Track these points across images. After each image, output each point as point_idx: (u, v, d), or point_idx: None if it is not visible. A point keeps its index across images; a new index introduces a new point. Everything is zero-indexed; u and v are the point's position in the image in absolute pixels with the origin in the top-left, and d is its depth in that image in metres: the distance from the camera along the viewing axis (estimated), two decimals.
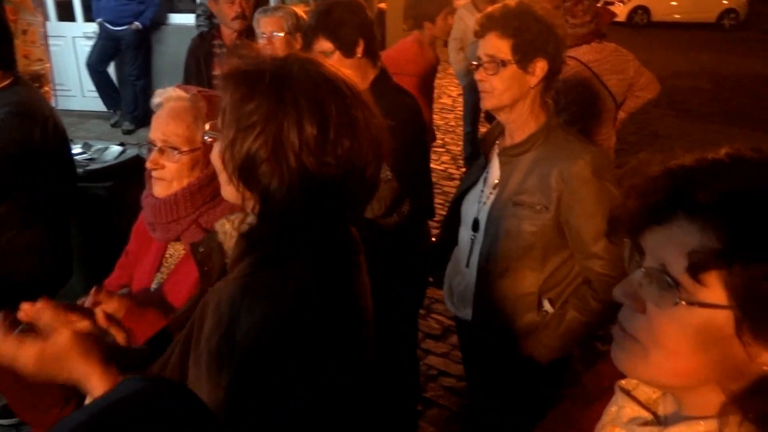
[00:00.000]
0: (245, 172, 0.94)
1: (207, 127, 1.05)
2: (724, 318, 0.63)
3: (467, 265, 1.90)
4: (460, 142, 6.26)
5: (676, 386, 0.71)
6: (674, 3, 18.95)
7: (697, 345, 0.65)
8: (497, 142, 1.90)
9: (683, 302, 0.64)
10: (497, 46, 1.71)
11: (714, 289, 0.63)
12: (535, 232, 1.73)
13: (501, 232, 1.77)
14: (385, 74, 2.29)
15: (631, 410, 0.76)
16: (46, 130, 2.20)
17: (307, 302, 0.93)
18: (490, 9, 1.78)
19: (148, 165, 1.48)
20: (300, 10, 3.04)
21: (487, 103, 1.78)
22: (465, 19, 4.90)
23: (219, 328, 0.94)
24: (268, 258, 0.96)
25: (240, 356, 0.91)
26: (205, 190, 1.46)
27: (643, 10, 18.99)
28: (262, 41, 2.90)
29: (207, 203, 1.47)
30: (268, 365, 0.92)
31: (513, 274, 1.78)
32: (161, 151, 1.46)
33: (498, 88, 1.73)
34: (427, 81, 3.45)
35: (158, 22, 6.91)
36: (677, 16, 18.80)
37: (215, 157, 1.00)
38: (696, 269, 0.63)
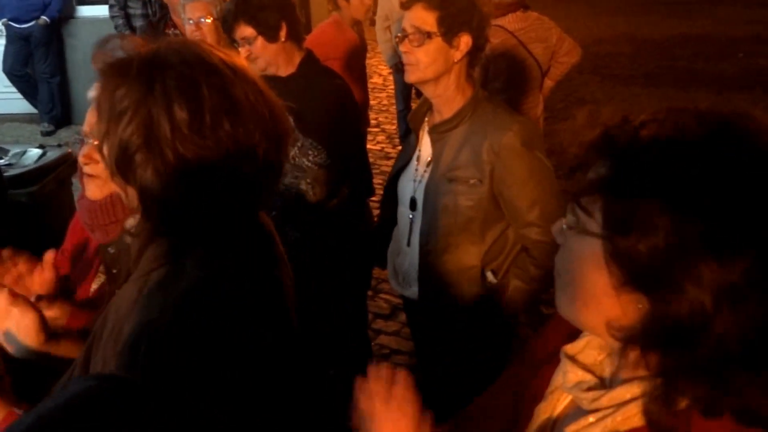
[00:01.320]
0: (122, 164, 0.89)
1: (85, 128, 1.00)
2: (600, 246, 0.68)
3: (408, 244, 1.91)
4: (395, 121, 6.26)
5: (591, 326, 0.75)
6: None
7: (585, 276, 0.71)
8: (426, 118, 1.90)
9: (574, 231, 0.73)
10: (423, 17, 1.70)
11: (595, 219, 0.69)
12: (472, 206, 1.75)
13: (439, 209, 1.78)
14: (312, 57, 2.25)
15: (575, 375, 0.78)
16: None
17: (203, 299, 0.87)
18: None
19: (80, 159, 1.37)
20: None
21: (411, 77, 1.77)
22: None
23: (113, 333, 0.91)
24: (161, 255, 0.91)
25: (128, 359, 0.86)
26: None
27: None
28: (189, 27, 2.80)
29: None
30: (162, 371, 0.84)
31: (454, 250, 1.80)
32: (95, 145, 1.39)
33: (423, 61, 1.72)
34: (353, 63, 3.40)
35: (67, 16, 6.57)
36: None
37: (96, 154, 0.99)
38: (579, 195, 0.71)
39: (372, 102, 7.58)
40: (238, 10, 2.12)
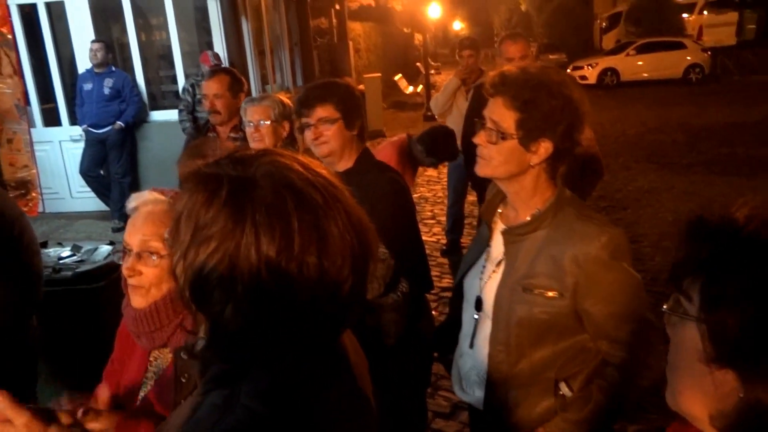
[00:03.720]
0: (197, 291, 0.83)
1: (166, 233, 0.97)
2: (696, 328, 0.74)
3: (471, 346, 1.78)
4: None
5: (696, 416, 0.78)
6: (641, 63, 19.72)
7: (685, 360, 0.77)
8: (500, 210, 1.78)
9: (676, 317, 0.79)
10: (502, 114, 1.57)
11: (694, 302, 0.76)
12: (549, 319, 1.60)
13: (512, 318, 1.64)
14: (368, 152, 2.31)
15: None
16: (9, 235, 2.18)
17: (253, 426, 0.81)
18: (507, 67, 1.63)
19: (124, 272, 1.41)
20: (284, 97, 3.11)
21: (481, 170, 1.65)
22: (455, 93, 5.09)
23: None
24: (217, 378, 0.86)
25: None
26: None
27: (612, 71, 19.74)
28: (249, 129, 2.95)
29: None
30: None
31: (527, 360, 1.65)
32: (138, 256, 1.41)
33: (495, 158, 1.60)
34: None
35: (141, 120, 7.05)
36: (645, 74, 19.54)
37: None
38: (679, 278, 0.77)
39: (427, 194, 7.69)
40: (326, 93, 2.16)
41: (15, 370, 2.28)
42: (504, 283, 1.66)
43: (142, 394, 1.47)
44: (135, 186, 6.97)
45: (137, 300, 1.41)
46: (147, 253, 1.40)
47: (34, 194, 3.32)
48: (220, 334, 0.85)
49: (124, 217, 6.78)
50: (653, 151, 9.30)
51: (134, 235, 1.42)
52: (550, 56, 23.52)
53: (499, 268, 1.70)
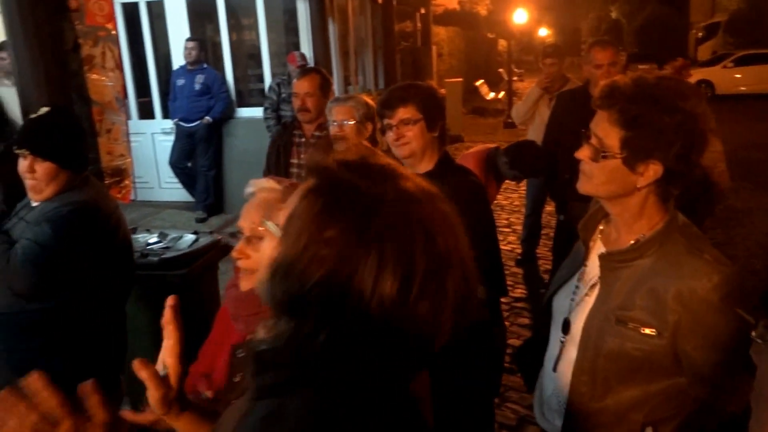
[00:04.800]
0: (294, 301, 0.77)
1: (241, 223, 0.92)
2: None
3: (554, 369, 1.66)
4: None
5: None
6: (738, 76, 18.71)
7: None
8: (601, 227, 1.62)
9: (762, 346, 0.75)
10: (607, 131, 1.42)
11: None
12: (642, 357, 1.45)
13: (601, 349, 1.51)
14: (448, 156, 2.30)
15: None
16: (106, 229, 2.31)
17: None
18: (618, 78, 1.46)
19: (233, 254, 1.46)
20: (368, 99, 3.15)
21: (582, 187, 1.50)
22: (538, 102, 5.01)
23: None
24: (269, 387, 0.80)
25: None
26: None
27: (707, 84, 18.82)
28: (333, 128, 3.00)
29: None
30: None
31: (613, 397, 1.51)
32: (248, 240, 1.46)
33: (597, 176, 1.45)
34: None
35: (228, 116, 7.31)
36: (743, 88, 18.53)
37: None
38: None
39: (504, 202, 7.58)
40: (408, 94, 2.18)
41: (110, 353, 2.41)
42: (596, 311, 1.53)
43: (237, 378, 1.49)
44: (219, 179, 7.25)
45: (245, 283, 1.46)
46: (256, 238, 1.44)
47: (127, 182, 3.50)
48: (297, 346, 0.78)
49: (207, 209, 7.12)
50: (748, 170, 8.77)
51: (246, 220, 1.47)
52: (640, 66, 22.66)
53: (592, 292, 1.56)
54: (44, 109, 2.27)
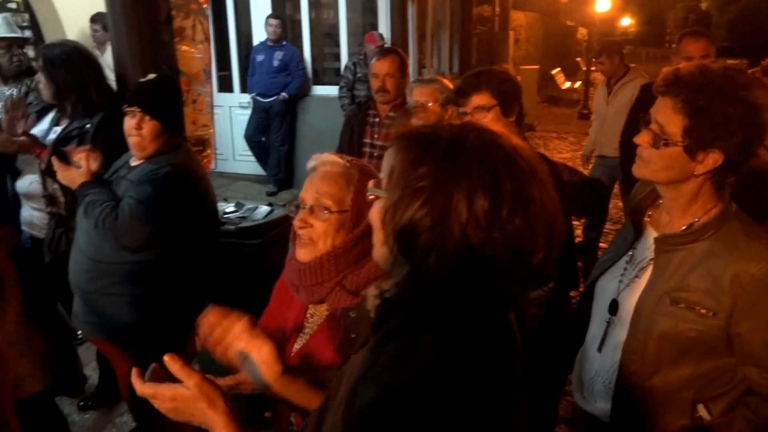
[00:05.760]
0: (404, 238, 0.88)
1: (371, 184, 1.03)
2: None
3: (599, 350, 1.69)
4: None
5: None
6: None
7: None
8: (650, 212, 1.67)
9: None
10: (669, 118, 1.43)
11: None
12: (695, 337, 1.49)
13: (653, 329, 1.54)
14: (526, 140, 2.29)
15: None
16: (197, 191, 2.46)
17: (438, 382, 0.83)
18: (683, 65, 1.48)
19: (296, 223, 1.50)
20: (449, 83, 3.15)
21: (638, 172, 1.55)
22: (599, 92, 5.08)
23: (344, 400, 0.91)
24: (398, 329, 0.89)
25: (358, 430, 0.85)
26: (349, 254, 1.46)
27: None
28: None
29: (351, 266, 1.46)
30: None
31: (662, 376, 1.55)
32: (311, 209, 1.49)
33: (655, 162, 1.48)
34: None
35: (303, 94, 7.43)
36: None
37: (375, 215, 0.97)
38: None
39: None
40: (481, 81, 2.19)
41: (199, 307, 2.54)
42: (649, 292, 1.56)
43: (296, 347, 1.54)
44: (291, 155, 7.39)
45: (303, 254, 1.49)
46: (319, 207, 1.47)
47: (209, 151, 3.64)
48: (419, 280, 0.90)
49: (278, 183, 7.28)
50: None
51: (310, 191, 1.50)
52: (729, 61, 21.50)
53: (643, 274, 1.60)
54: (152, 76, 2.46)
